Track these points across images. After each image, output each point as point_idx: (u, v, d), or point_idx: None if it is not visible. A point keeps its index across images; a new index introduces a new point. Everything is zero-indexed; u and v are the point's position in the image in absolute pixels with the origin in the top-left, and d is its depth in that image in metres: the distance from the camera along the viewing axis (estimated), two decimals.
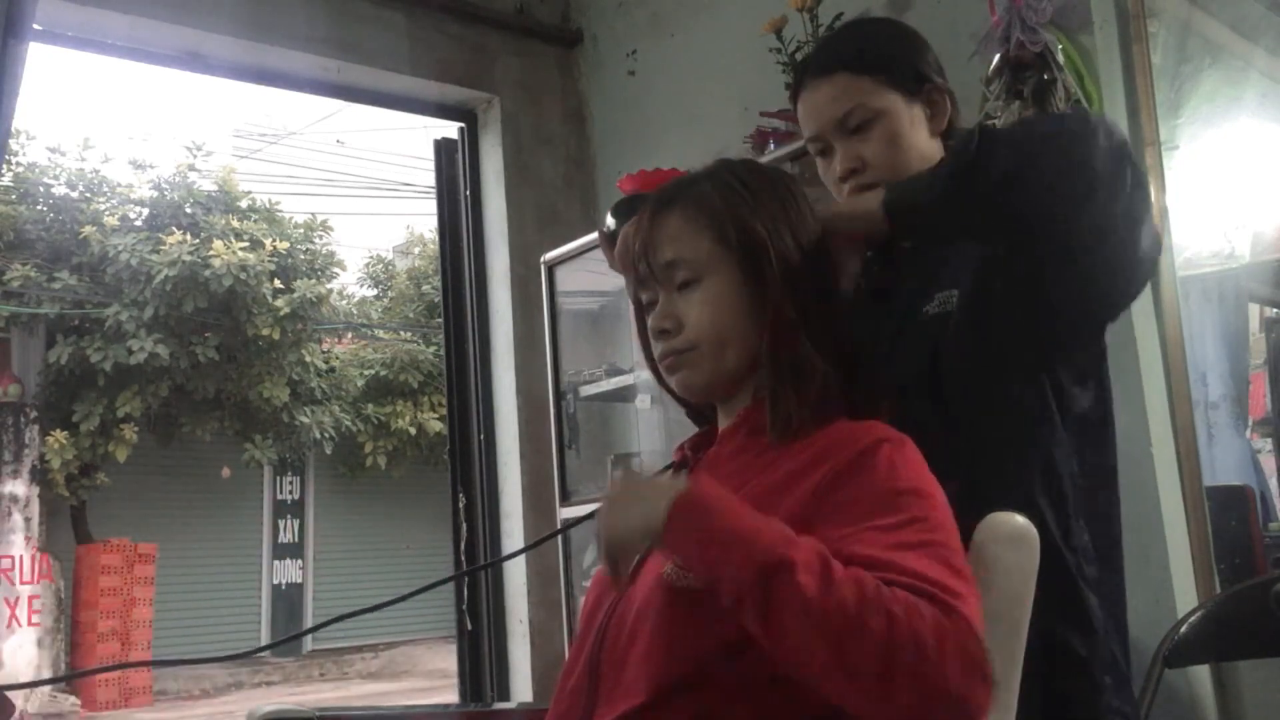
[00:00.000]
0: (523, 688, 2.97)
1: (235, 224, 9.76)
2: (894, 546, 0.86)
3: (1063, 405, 1.19)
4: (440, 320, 3.53)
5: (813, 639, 0.80)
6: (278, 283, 9.70)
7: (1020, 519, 0.97)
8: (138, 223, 9.74)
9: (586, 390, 2.79)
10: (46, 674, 8.86)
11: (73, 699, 8.92)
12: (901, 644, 0.78)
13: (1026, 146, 1.06)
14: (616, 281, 1.97)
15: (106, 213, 9.50)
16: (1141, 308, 2.01)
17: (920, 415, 1.07)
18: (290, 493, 11.61)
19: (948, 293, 1.20)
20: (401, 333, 12.01)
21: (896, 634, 0.78)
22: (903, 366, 1.19)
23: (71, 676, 8.72)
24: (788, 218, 1.10)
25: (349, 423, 10.83)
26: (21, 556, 8.90)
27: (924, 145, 1.31)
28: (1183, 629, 1.63)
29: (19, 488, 9.02)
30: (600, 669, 1.02)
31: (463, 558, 3.09)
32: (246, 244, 9.56)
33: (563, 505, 2.78)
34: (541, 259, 2.90)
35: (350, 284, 12.38)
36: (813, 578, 0.81)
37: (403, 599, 1.43)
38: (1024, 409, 1.17)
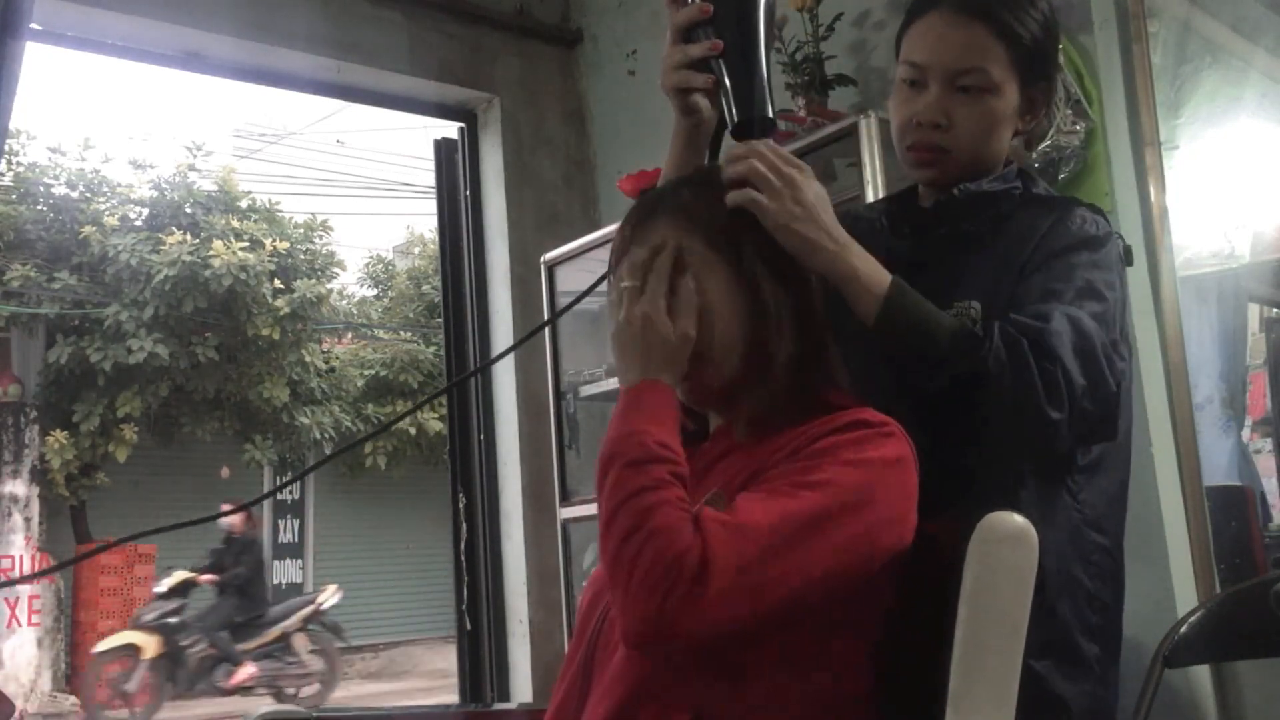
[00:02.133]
0: (523, 688, 2.97)
1: (235, 224, 9.74)
2: (760, 496, 0.94)
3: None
4: (440, 320, 3.52)
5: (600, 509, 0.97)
6: (278, 283, 9.69)
7: (1019, 519, 0.96)
8: (138, 223, 9.73)
9: (586, 390, 2.79)
10: (46, 674, 8.85)
11: (72, 699, 8.91)
12: (625, 553, 0.90)
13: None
14: None
15: (106, 213, 9.50)
16: (1141, 308, 2.01)
17: (911, 410, 1.07)
18: (290, 493, 11.60)
19: (966, 303, 1.18)
20: (401, 333, 12.00)
21: (628, 541, 0.90)
22: None
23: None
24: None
25: (349, 423, 10.81)
26: (21, 556, 8.90)
27: (1005, 140, 1.27)
28: (1183, 629, 1.63)
29: (19, 488, 9.01)
30: (593, 664, 1.03)
31: (463, 558, 3.09)
32: (246, 244, 9.54)
33: (563, 505, 2.77)
34: (541, 259, 2.90)
35: (350, 284, 12.40)
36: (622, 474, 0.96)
37: (408, 414, 1.47)
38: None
